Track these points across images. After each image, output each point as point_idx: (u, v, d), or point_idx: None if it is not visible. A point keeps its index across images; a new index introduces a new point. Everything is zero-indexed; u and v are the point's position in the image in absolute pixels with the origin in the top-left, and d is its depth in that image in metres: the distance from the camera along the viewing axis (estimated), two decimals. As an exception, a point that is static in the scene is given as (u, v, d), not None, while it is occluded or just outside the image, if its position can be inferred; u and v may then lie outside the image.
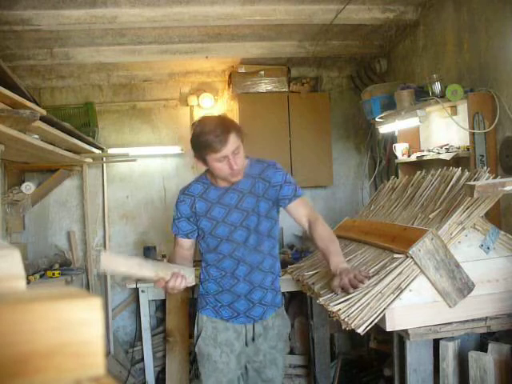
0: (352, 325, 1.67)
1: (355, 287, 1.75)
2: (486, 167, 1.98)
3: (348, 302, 1.74)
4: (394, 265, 1.82)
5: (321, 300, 1.87)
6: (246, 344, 2.14)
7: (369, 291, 1.75)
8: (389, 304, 1.73)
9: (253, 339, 2.14)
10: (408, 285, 1.77)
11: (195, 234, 2.10)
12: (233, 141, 1.86)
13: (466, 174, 2.01)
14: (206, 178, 2.08)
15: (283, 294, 3.75)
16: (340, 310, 1.73)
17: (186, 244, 2.11)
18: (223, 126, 1.86)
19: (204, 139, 1.85)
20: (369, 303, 1.72)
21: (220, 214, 2.04)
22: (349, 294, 1.77)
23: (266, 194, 2.06)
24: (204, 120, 1.95)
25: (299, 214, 2.08)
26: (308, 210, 2.09)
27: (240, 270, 2.07)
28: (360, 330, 1.67)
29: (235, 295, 2.09)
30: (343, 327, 1.74)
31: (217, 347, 2.11)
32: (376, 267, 1.91)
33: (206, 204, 2.04)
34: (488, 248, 1.88)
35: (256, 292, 2.10)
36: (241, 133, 1.92)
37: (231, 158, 1.87)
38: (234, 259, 2.06)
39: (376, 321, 1.70)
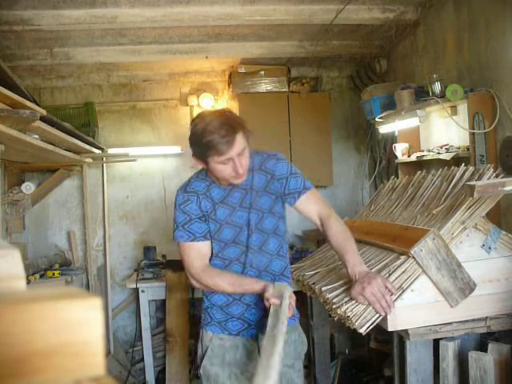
0: (355, 324, 1.68)
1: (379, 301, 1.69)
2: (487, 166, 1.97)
3: (351, 303, 1.74)
4: (396, 265, 1.82)
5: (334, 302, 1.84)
6: None
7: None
8: (390, 304, 1.73)
9: None
10: (410, 285, 1.76)
11: (209, 234, 1.85)
12: (239, 142, 1.65)
13: (471, 168, 2.00)
14: (206, 175, 1.84)
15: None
16: (348, 308, 1.73)
17: (207, 248, 1.84)
18: (229, 125, 1.63)
19: (207, 139, 1.62)
20: (370, 303, 1.72)
21: (224, 215, 1.82)
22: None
23: (267, 187, 1.85)
24: (207, 116, 1.69)
25: (310, 211, 1.87)
26: (319, 206, 1.88)
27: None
28: (362, 330, 1.67)
29: (244, 304, 1.85)
30: (347, 325, 1.74)
31: (225, 367, 1.85)
32: (377, 267, 1.91)
33: (211, 204, 1.82)
34: (489, 248, 1.88)
35: None
36: (247, 131, 1.71)
37: (236, 161, 1.67)
38: (241, 264, 1.84)
39: (378, 321, 1.70)
